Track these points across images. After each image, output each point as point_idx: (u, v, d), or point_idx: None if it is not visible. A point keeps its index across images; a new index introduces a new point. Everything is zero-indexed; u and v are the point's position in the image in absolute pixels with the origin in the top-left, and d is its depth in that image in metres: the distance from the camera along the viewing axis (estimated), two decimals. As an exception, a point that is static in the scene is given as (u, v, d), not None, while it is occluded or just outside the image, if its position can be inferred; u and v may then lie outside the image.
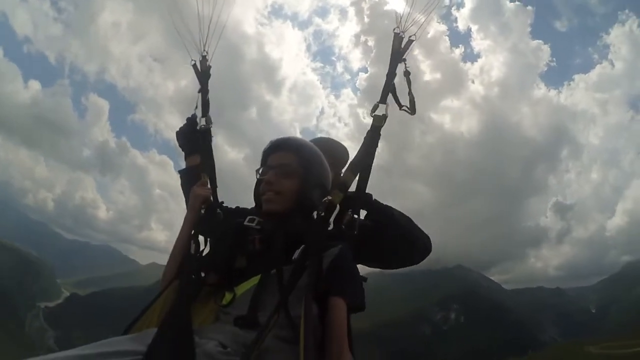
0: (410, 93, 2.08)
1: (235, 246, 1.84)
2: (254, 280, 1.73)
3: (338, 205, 1.88)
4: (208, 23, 2.31)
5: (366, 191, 1.95)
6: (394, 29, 2.03)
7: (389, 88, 2.03)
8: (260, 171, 2.02)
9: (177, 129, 2.43)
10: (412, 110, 2.07)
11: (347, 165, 2.00)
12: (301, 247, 1.73)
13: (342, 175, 2.00)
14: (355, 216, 1.93)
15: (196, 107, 2.37)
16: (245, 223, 1.89)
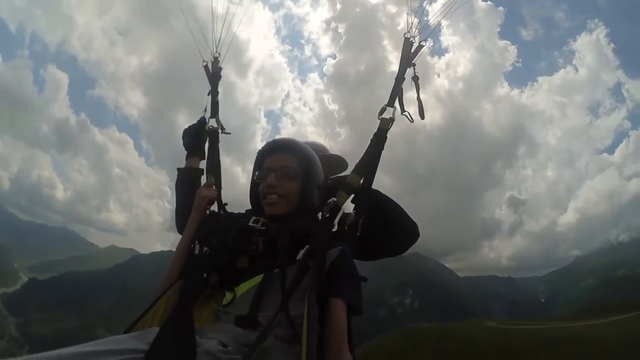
0: (418, 98, 2.07)
1: (238, 247, 1.82)
2: (255, 280, 1.73)
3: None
4: (222, 26, 2.35)
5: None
6: (404, 34, 2.04)
7: (397, 92, 2.03)
8: (257, 174, 1.98)
9: (185, 127, 2.42)
10: (420, 115, 2.07)
11: (353, 167, 1.97)
12: (305, 248, 1.72)
13: (347, 177, 1.96)
14: (359, 218, 1.89)
15: (204, 110, 2.39)
16: (250, 224, 1.85)
